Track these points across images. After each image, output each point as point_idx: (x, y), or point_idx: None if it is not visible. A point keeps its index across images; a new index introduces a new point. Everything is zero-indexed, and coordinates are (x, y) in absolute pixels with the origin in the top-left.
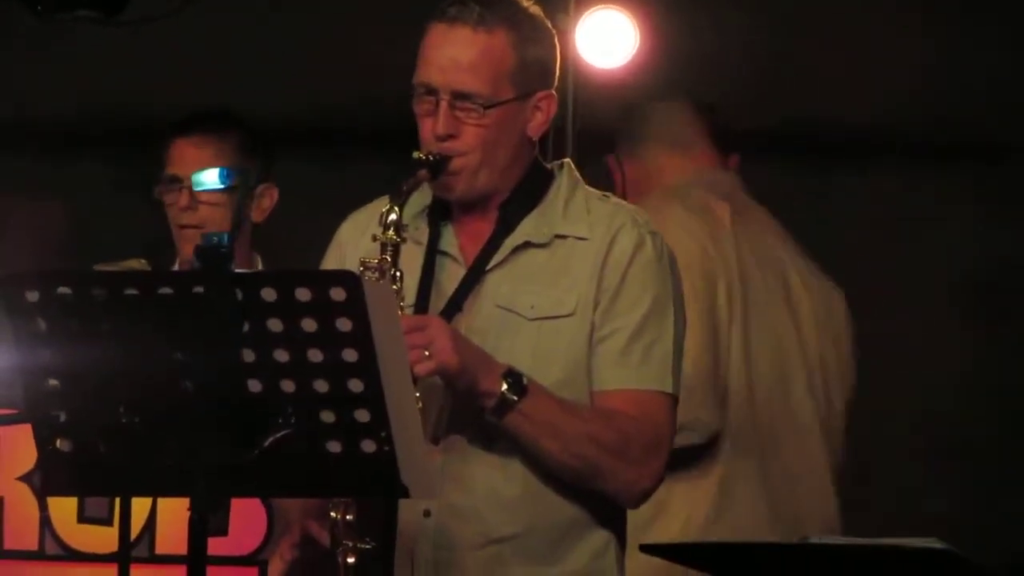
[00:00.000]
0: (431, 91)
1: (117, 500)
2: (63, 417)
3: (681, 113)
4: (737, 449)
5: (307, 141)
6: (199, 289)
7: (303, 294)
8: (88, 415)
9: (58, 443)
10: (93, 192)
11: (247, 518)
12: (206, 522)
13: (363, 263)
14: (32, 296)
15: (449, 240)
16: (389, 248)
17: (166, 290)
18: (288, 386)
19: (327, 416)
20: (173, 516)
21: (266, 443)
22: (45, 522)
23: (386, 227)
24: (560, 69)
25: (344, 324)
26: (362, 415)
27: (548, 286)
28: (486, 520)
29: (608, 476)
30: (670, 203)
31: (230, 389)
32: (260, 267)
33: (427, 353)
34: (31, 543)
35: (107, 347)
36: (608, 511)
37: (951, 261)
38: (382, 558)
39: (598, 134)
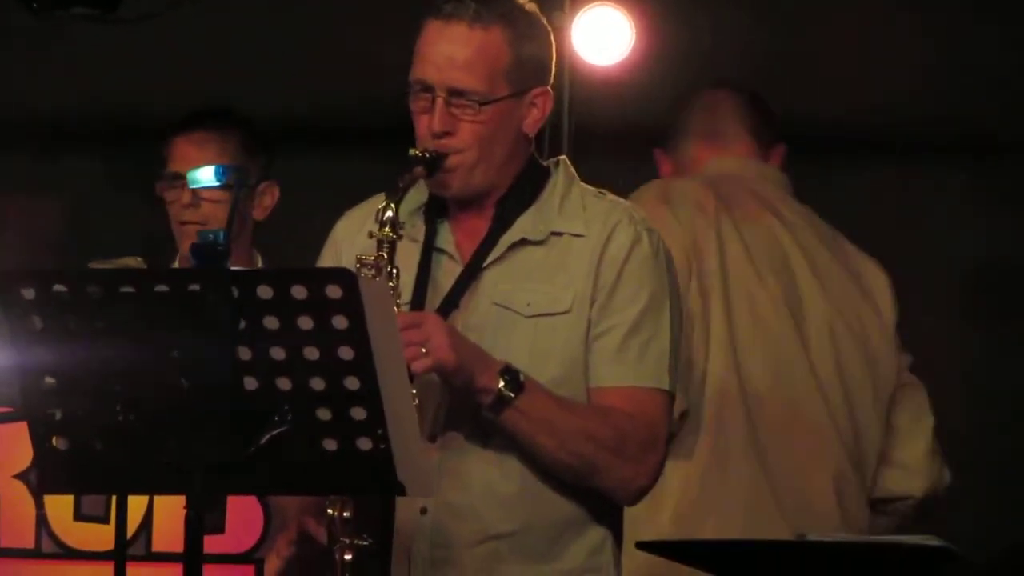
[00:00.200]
0: (427, 88)
1: (113, 498)
2: (59, 415)
3: (720, 103)
4: (727, 437)
5: (306, 138)
6: (195, 287)
7: (299, 291)
8: (84, 413)
9: (54, 441)
10: (89, 190)
11: (243, 516)
12: (202, 520)
13: (359, 260)
14: (28, 294)
15: (445, 237)
16: (385, 245)
17: (162, 288)
18: (284, 384)
19: (323, 414)
20: (169, 514)
21: (262, 440)
22: (41, 520)
23: (382, 224)
24: (556, 66)
25: (340, 322)
26: (358, 413)
27: (544, 283)
28: (483, 517)
29: (605, 473)
30: (648, 189)
31: (226, 387)
32: (260, 265)
33: (424, 350)
34: (27, 541)
35: (103, 345)
36: (605, 508)
37: (950, 259)
38: (379, 555)
39: (594, 131)
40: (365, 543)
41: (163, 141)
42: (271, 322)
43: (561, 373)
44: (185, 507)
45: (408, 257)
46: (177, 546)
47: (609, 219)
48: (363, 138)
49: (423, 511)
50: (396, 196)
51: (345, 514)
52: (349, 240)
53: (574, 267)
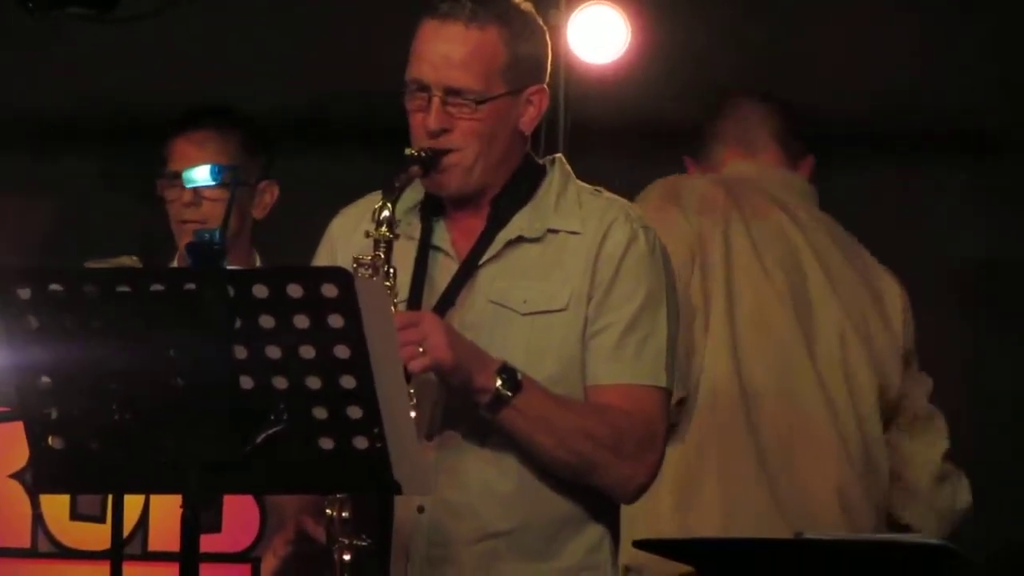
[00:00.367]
0: (423, 87)
1: (109, 497)
2: (55, 414)
3: (750, 111)
4: (727, 437)
5: (305, 138)
6: (191, 286)
7: (295, 290)
8: (80, 412)
9: (50, 440)
10: (86, 189)
11: (240, 515)
12: (198, 519)
13: (356, 260)
14: (24, 293)
15: (441, 235)
16: (382, 245)
17: (158, 287)
18: (280, 382)
19: (319, 412)
20: (166, 513)
21: (258, 439)
22: (37, 520)
23: (379, 224)
24: (551, 64)
25: (336, 320)
26: (354, 411)
27: (541, 280)
28: (480, 516)
29: (603, 471)
30: (657, 186)
31: (222, 386)
32: (259, 264)
33: (421, 350)
34: (23, 541)
35: (99, 344)
36: (602, 506)
37: (950, 259)
38: (378, 555)
39: (589, 129)
40: (364, 543)
41: (163, 140)
42: (267, 321)
43: (557, 370)
44: (181, 506)
45: (404, 255)
46: (173, 545)
47: (605, 216)
48: (362, 137)
49: (420, 509)
50: (393, 196)
51: (344, 514)
52: (345, 238)
53: (570, 264)
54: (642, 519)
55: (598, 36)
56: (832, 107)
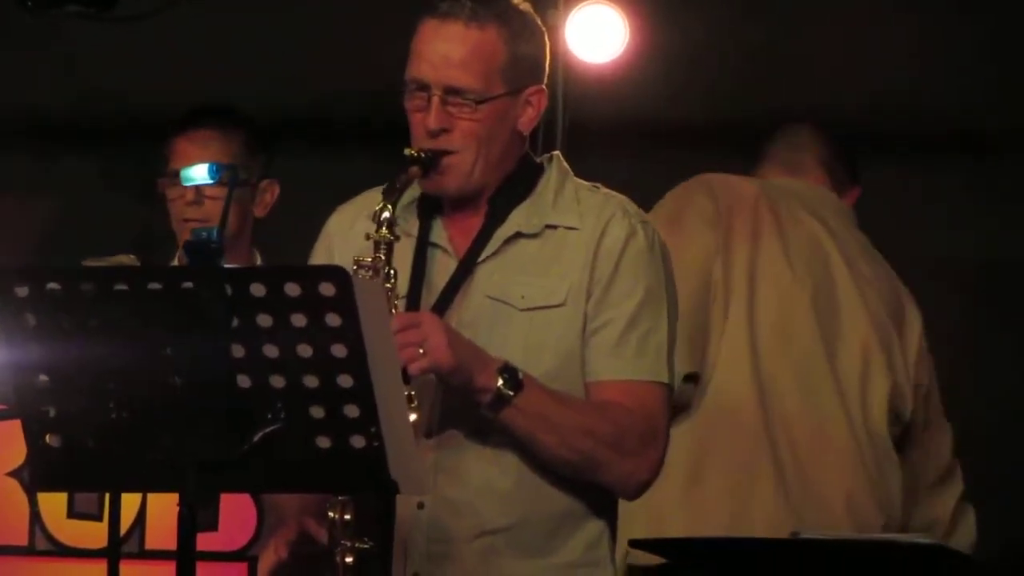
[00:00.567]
0: (423, 87)
1: (107, 495)
2: (53, 412)
3: (798, 136)
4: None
5: (305, 137)
6: (188, 284)
7: (292, 289)
8: (78, 410)
9: (48, 438)
10: (86, 189)
11: (237, 513)
12: (195, 517)
13: (357, 262)
14: (22, 292)
15: (439, 232)
16: (383, 246)
17: (155, 286)
18: (278, 381)
19: (316, 411)
20: (163, 511)
21: (256, 438)
22: (35, 518)
23: (379, 225)
24: (550, 64)
25: (333, 319)
26: (351, 411)
27: (539, 276)
28: (480, 513)
29: (605, 468)
30: (692, 181)
31: (219, 384)
32: (259, 263)
33: (421, 351)
34: (21, 539)
35: (97, 343)
36: (601, 502)
37: (950, 259)
38: (380, 557)
39: (588, 129)
40: (366, 546)
41: (163, 140)
42: (264, 320)
43: (556, 366)
44: (178, 505)
45: (402, 252)
46: (170, 544)
47: (603, 212)
48: (363, 137)
49: (420, 506)
50: (392, 197)
51: (346, 516)
52: (342, 235)
53: (569, 260)
54: (643, 515)
55: (596, 36)
56: (831, 107)
